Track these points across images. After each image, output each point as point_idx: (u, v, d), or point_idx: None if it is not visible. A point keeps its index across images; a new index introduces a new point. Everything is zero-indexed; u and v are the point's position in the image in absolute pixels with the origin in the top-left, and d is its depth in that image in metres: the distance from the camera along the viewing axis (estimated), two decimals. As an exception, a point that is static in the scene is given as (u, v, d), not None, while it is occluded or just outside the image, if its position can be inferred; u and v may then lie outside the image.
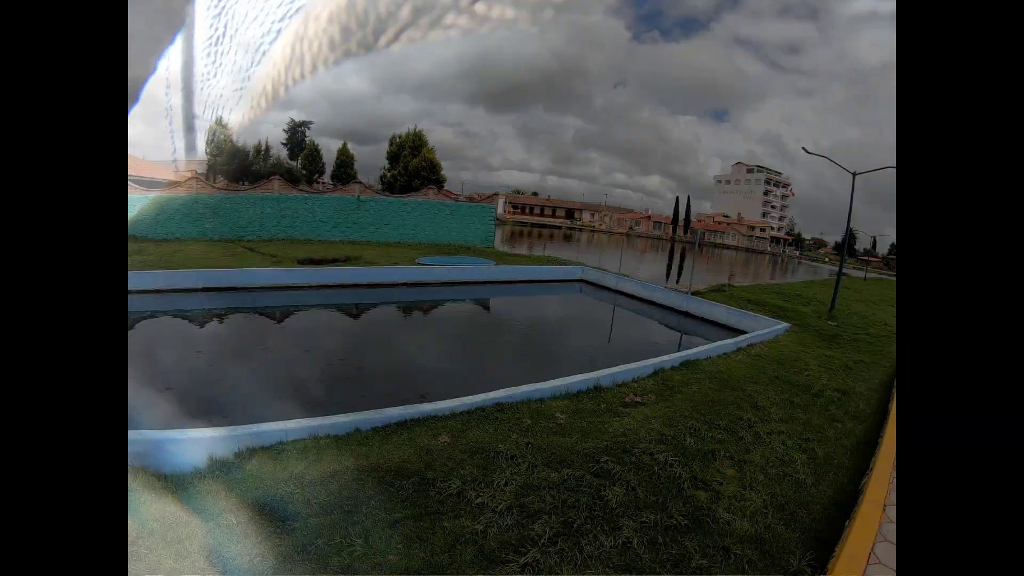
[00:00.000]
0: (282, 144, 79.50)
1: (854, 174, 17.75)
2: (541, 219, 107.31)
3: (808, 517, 5.36)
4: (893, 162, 17.95)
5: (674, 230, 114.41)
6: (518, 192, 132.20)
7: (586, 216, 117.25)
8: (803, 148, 17.84)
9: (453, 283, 19.77)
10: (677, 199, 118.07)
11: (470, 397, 7.05)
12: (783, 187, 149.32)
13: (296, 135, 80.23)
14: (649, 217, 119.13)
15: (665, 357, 9.78)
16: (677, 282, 25.15)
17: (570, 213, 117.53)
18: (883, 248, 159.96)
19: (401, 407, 6.69)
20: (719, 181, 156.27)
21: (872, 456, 6.71)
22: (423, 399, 8.28)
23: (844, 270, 18.86)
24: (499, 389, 7.37)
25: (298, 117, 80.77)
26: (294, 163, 74.44)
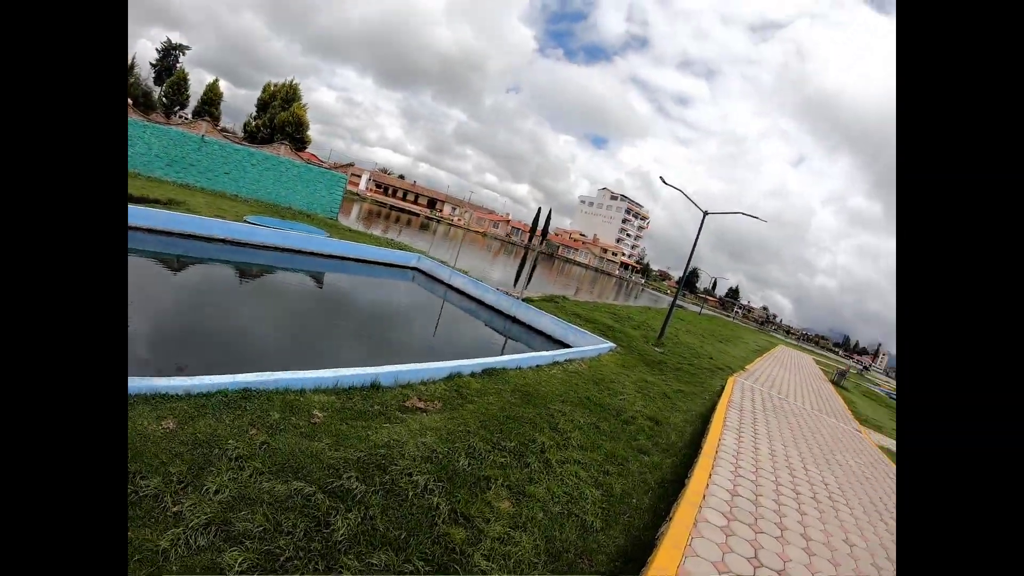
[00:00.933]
0: (151, 64, 73.02)
1: (705, 212, 18.27)
2: (402, 203, 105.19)
3: (589, 570, 4.50)
4: (746, 219, 18.57)
5: (530, 238, 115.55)
6: (385, 171, 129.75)
7: (447, 209, 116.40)
8: (660, 178, 17.87)
9: (277, 248, 17.91)
10: (539, 209, 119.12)
11: (213, 377, 5.58)
12: (641, 219, 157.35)
13: (168, 58, 73.73)
14: (508, 222, 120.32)
15: (466, 361, 8.70)
16: (526, 287, 24.85)
17: (432, 203, 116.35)
18: (721, 291, 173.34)
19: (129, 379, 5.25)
20: (583, 201, 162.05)
21: (675, 499, 6.02)
22: (180, 372, 6.93)
23: (681, 303, 19.12)
24: (251, 372, 5.93)
25: (182, 40, 74.56)
26: (158, 88, 68.22)
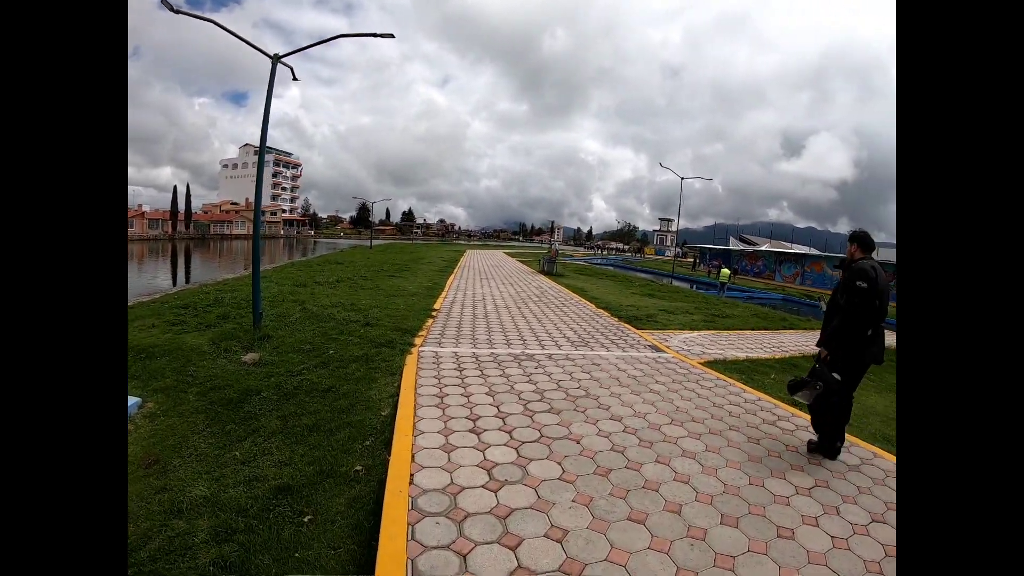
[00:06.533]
0: None
1: (682, 178, 10.15)
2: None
3: None
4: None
5: (174, 226, 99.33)
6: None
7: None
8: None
9: None
10: (175, 189, 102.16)
11: None
12: (293, 167, 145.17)
13: None
14: (143, 215, 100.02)
15: None
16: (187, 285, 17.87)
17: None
18: (396, 217, 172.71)
19: None
20: (225, 166, 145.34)
21: None
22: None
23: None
24: None
25: None
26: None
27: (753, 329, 13.96)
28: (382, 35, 10.23)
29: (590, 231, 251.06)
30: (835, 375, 5.03)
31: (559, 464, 4.63)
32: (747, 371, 8.90)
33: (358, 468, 4.55)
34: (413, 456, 4.56)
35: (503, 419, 5.58)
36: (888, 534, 3.98)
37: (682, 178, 44.14)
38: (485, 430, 5.25)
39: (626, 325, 12.56)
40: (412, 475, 4.22)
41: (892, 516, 4.26)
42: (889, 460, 5.42)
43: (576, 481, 4.33)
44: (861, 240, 5.29)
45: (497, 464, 4.52)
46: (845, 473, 5.00)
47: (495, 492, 4.04)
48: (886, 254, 44.18)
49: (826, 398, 5.02)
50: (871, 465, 5.24)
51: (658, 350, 9.85)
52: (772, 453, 5.30)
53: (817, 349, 5.43)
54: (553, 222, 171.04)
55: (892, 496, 4.60)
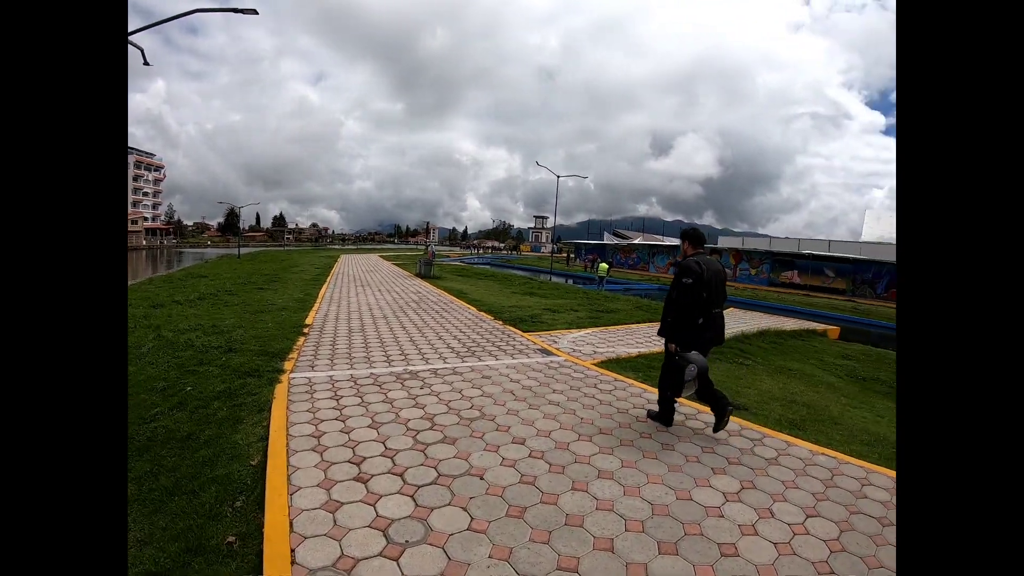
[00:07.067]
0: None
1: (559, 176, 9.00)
2: None
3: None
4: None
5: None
6: None
7: None
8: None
9: None
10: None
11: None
12: (156, 170, 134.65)
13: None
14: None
15: None
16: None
17: None
18: (267, 222, 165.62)
19: None
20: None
21: None
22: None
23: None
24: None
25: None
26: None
27: (639, 322, 13.93)
28: (244, 11, 9.52)
29: (465, 231, 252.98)
30: (693, 352, 5.34)
31: (465, 510, 3.96)
32: (642, 368, 8.68)
33: (231, 539, 3.66)
34: (292, 524, 3.72)
35: (392, 458, 4.83)
36: (827, 528, 3.93)
37: (558, 176, 44.62)
38: (373, 475, 4.48)
39: (512, 328, 12.11)
40: (293, 551, 3.40)
41: (824, 508, 4.22)
42: (803, 447, 5.47)
43: (488, 530, 3.70)
44: (691, 237, 5.65)
45: (393, 521, 3.77)
46: (766, 468, 4.90)
47: (396, 560, 3.32)
48: (838, 249, 46.61)
49: (705, 376, 5.33)
50: (787, 455, 5.22)
51: (549, 354, 9.43)
52: (690, 458, 5.02)
53: (662, 339, 5.74)
54: (428, 223, 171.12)
55: (818, 487, 4.60)
